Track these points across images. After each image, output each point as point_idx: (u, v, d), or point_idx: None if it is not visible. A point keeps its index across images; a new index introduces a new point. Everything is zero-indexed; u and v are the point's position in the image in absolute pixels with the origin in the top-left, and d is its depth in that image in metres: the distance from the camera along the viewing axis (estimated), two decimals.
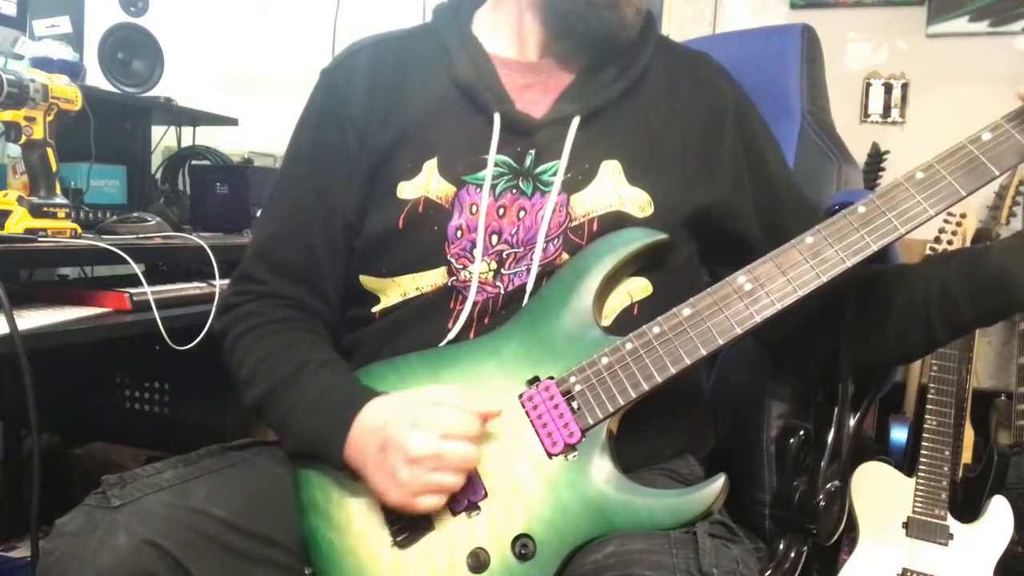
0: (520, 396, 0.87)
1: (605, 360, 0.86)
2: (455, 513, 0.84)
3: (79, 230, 1.35)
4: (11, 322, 1.03)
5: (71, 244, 1.27)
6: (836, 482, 1.13)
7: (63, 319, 1.17)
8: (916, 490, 1.72)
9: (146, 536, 0.79)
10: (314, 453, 0.90)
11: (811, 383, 1.18)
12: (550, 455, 0.84)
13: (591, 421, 0.84)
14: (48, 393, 1.22)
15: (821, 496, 1.10)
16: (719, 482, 0.82)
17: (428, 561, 0.84)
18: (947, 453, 1.74)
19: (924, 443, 1.76)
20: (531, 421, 0.86)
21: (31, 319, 1.12)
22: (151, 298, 1.25)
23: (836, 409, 1.17)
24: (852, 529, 1.73)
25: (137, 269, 1.26)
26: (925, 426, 1.77)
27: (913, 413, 2.18)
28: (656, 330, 0.85)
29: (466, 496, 0.84)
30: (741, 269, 0.86)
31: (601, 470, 0.83)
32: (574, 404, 0.85)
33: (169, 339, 1.25)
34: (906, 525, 1.70)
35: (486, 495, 0.84)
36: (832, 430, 1.17)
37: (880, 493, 1.73)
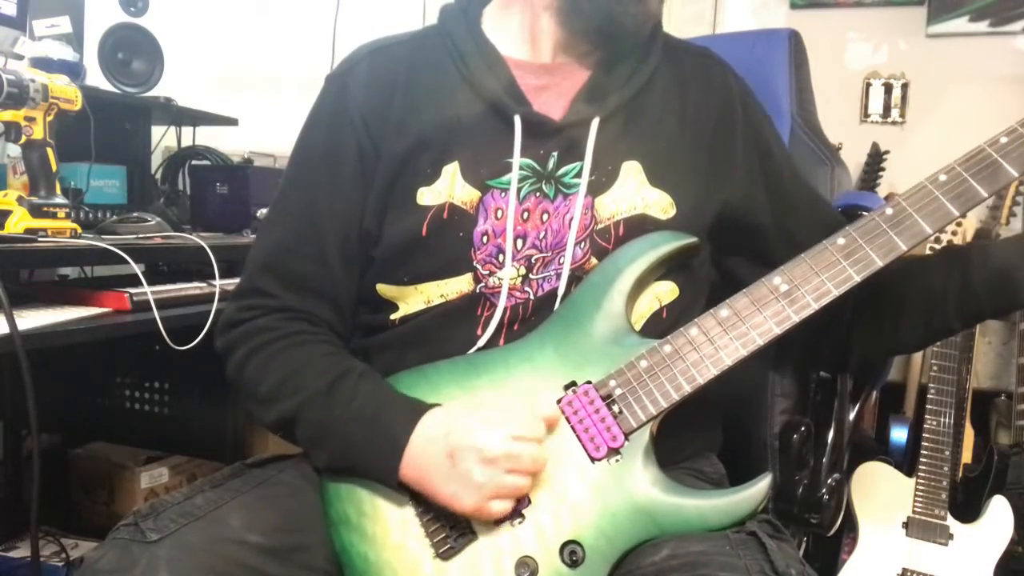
0: (559, 401, 0.86)
1: (644, 363, 0.85)
2: (498, 522, 0.83)
3: (79, 230, 1.34)
4: (11, 322, 1.03)
5: (71, 244, 1.27)
6: (836, 475, 1.14)
7: (63, 319, 1.16)
8: (916, 490, 1.72)
9: (189, 574, 0.75)
10: (360, 466, 0.87)
11: (811, 378, 1.19)
12: (593, 460, 0.83)
13: (634, 424, 0.84)
14: (48, 393, 1.22)
15: (824, 490, 1.11)
16: (765, 481, 0.82)
17: (474, 572, 0.82)
18: (947, 453, 1.74)
19: (924, 443, 1.76)
20: (572, 426, 0.85)
21: (31, 319, 1.12)
22: (151, 298, 1.25)
23: (835, 404, 1.18)
24: (852, 529, 1.73)
25: (137, 269, 1.25)
26: (925, 426, 1.77)
27: (913, 413, 2.18)
28: (694, 331, 0.85)
29: None
30: (775, 270, 0.86)
31: (646, 473, 0.83)
32: (615, 408, 0.84)
33: (169, 339, 1.25)
34: (906, 525, 1.70)
35: (529, 502, 0.83)
36: (832, 424, 1.18)
37: (880, 493, 1.73)
